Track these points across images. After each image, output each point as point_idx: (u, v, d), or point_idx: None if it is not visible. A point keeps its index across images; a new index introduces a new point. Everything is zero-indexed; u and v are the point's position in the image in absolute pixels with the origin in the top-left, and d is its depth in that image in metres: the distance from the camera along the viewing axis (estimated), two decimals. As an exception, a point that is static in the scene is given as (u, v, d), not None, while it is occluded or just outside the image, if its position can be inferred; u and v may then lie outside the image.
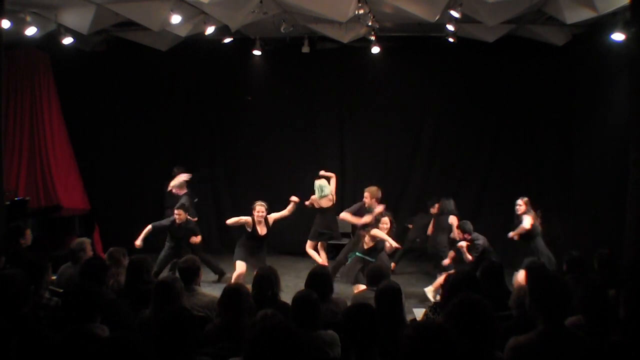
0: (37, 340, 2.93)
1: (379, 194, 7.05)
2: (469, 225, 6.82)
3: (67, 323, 3.12)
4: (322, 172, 7.89)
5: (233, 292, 3.57)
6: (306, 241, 8.10)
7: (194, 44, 8.83)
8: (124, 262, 4.70)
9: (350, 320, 2.76)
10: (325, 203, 7.92)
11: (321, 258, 7.94)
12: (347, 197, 9.72)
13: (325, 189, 7.84)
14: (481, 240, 6.74)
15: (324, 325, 3.53)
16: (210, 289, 6.35)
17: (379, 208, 6.70)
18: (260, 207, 6.86)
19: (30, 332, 2.98)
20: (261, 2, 6.82)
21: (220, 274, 8.08)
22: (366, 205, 6.98)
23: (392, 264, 6.72)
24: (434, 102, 9.60)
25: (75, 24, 7.44)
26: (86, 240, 5.30)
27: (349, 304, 4.44)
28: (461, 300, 2.52)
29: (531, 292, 2.89)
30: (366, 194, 7.06)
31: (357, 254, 6.56)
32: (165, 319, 2.77)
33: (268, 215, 6.93)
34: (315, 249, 8.14)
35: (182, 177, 8.03)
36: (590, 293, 3.29)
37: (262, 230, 6.86)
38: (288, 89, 9.79)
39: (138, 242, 6.95)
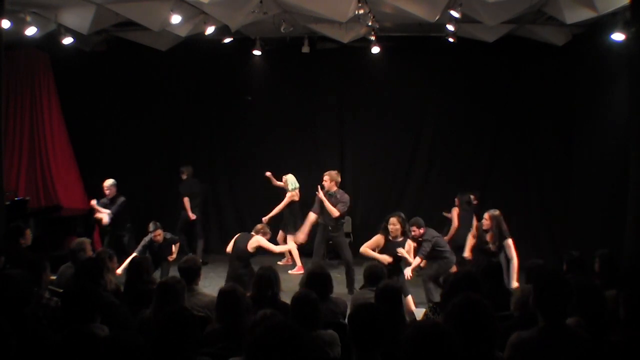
0: (37, 340, 2.93)
1: (338, 178, 7.30)
2: (421, 220, 6.84)
3: (67, 323, 3.11)
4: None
5: (229, 294, 3.55)
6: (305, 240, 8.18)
7: (194, 44, 8.83)
8: (109, 264, 4.67)
9: (357, 320, 2.74)
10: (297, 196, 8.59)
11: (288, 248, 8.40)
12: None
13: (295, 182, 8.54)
14: (431, 235, 6.90)
15: (324, 325, 3.53)
16: (210, 289, 6.35)
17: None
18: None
19: (30, 332, 2.98)
20: (261, 2, 6.82)
21: None
22: (326, 188, 7.25)
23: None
24: (434, 102, 9.60)
25: (75, 24, 7.44)
26: (86, 240, 5.30)
27: (349, 304, 4.45)
28: (461, 300, 2.51)
29: (533, 289, 2.91)
30: (325, 177, 7.28)
31: None
32: (165, 319, 2.76)
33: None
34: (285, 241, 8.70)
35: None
36: (585, 295, 3.30)
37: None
38: (288, 89, 9.78)
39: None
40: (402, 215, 6.08)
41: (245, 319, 3.44)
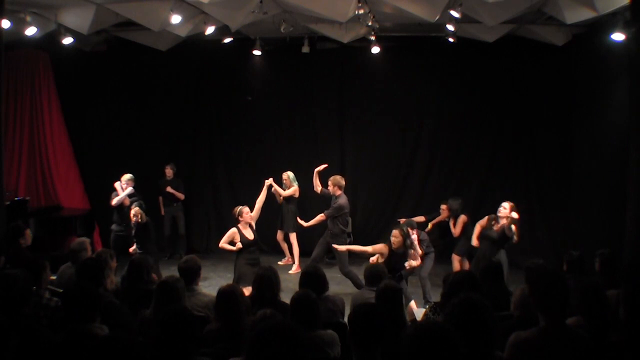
0: (37, 340, 2.93)
1: (342, 182, 7.45)
2: (414, 223, 6.95)
3: (67, 323, 3.12)
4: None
5: (228, 295, 3.55)
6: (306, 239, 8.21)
7: (194, 44, 8.83)
8: (112, 263, 4.68)
9: (357, 320, 2.74)
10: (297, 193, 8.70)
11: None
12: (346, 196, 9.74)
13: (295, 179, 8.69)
14: (425, 236, 7.16)
15: (324, 325, 3.53)
16: (210, 289, 6.35)
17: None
18: (246, 210, 6.62)
19: (30, 332, 2.99)
20: (261, 2, 6.81)
21: None
22: (331, 193, 7.45)
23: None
24: (433, 102, 9.60)
25: (75, 24, 7.44)
26: (86, 240, 5.30)
27: (347, 303, 4.46)
28: (461, 300, 2.51)
29: (531, 289, 2.91)
30: (329, 182, 7.44)
31: None
32: (165, 319, 2.76)
33: (250, 215, 6.70)
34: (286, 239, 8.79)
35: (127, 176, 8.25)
36: (588, 294, 3.30)
37: (250, 235, 6.61)
38: (288, 89, 9.78)
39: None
40: (404, 228, 6.11)
41: (245, 319, 3.44)
